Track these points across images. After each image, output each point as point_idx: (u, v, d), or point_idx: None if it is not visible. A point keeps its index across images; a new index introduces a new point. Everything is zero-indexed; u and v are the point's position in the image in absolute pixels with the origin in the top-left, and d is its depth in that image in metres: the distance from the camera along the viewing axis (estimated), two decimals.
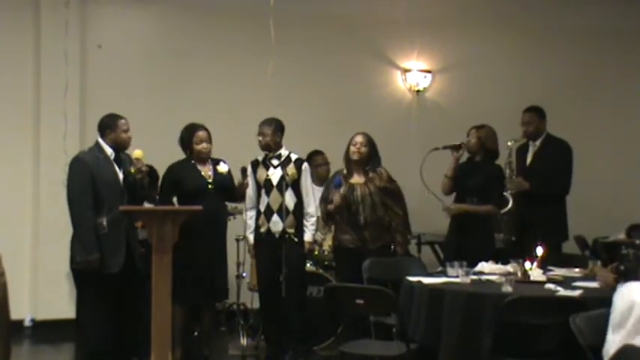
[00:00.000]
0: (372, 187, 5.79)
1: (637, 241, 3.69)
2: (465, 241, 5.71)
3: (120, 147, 5.40)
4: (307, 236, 6.03)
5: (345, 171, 5.94)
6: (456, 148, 5.89)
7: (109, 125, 5.40)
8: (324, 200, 5.94)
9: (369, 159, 5.86)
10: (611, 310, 3.44)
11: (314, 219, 6.04)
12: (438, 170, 5.98)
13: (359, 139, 5.87)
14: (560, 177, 6.37)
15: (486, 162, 5.89)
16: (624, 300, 3.38)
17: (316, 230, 6.20)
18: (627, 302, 3.35)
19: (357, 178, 5.86)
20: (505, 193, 6.26)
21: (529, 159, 6.50)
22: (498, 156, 5.99)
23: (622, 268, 3.64)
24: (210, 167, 5.90)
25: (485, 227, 5.85)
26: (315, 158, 7.05)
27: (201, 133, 5.88)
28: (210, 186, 5.82)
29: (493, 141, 5.91)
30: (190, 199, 5.63)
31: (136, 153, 5.35)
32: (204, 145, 5.86)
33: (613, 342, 3.33)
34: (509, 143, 6.47)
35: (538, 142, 6.49)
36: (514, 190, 6.36)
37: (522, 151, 6.59)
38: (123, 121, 5.43)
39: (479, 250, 5.47)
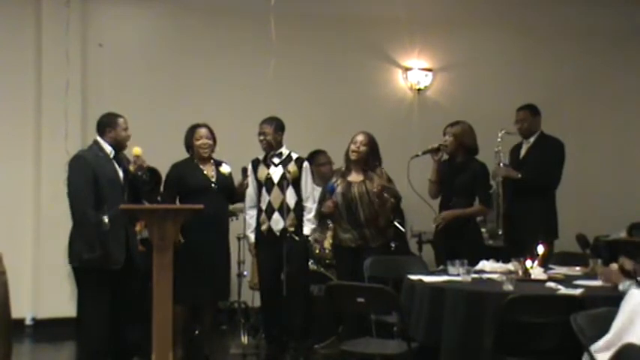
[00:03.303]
0: (369, 186, 5.79)
1: None
2: (454, 241, 5.71)
3: (119, 146, 5.40)
4: (306, 230, 6.03)
5: (343, 169, 5.95)
6: (434, 151, 5.86)
7: (108, 124, 5.40)
8: (320, 201, 5.96)
9: (369, 158, 5.86)
10: (619, 312, 3.43)
11: (312, 214, 6.04)
12: (425, 175, 5.99)
13: (359, 138, 5.87)
14: (550, 170, 6.40)
15: (468, 160, 5.87)
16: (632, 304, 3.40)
17: (315, 229, 6.19)
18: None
19: (355, 177, 5.86)
20: (492, 181, 6.25)
21: (522, 154, 6.55)
22: (478, 152, 5.95)
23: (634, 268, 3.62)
24: (213, 167, 5.91)
25: (471, 227, 5.88)
26: (318, 157, 7.05)
27: (201, 130, 5.90)
28: (213, 185, 5.83)
29: (470, 137, 5.87)
30: (193, 197, 5.62)
31: (134, 150, 5.37)
32: (203, 140, 5.87)
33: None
34: (499, 133, 6.48)
35: (532, 140, 6.53)
36: (501, 177, 6.33)
37: (516, 149, 6.63)
38: (122, 119, 5.43)
39: (467, 249, 5.45)
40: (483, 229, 6.42)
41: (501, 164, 6.39)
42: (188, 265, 5.53)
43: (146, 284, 5.01)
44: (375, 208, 5.75)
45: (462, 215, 5.79)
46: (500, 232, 6.28)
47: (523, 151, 6.56)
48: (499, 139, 6.46)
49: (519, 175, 6.33)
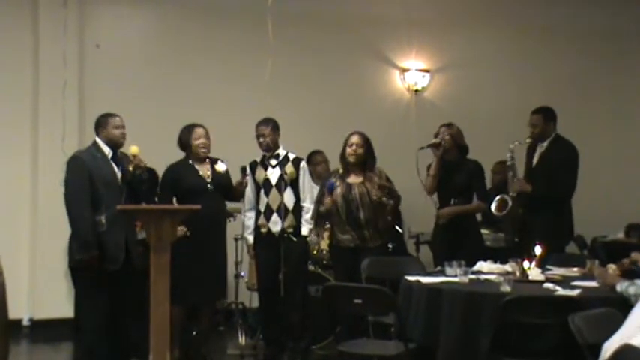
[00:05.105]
0: (369, 186, 5.78)
1: None
2: (452, 241, 5.71)
3: (113, 144, 5.39)
4: (304, 230, 6.03)
5: (340, 170, 5.93)
6: (436, 146, 5.91)
7: (100, 124, 5.42)
8: (318, 202, 5.94)
9: (366, 159, 5.85)
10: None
11: (309, 214, 6.04)
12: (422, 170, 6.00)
13: (355, 140, 5.85)
14: (564, 179, 6.23)
15: (462, 159, 5.94)
16: None
17: (312, 229, 6.19)
18: None
19: (354, 178, 5.84)
20: (506, 196, 6.23)
21: (535, 160, 6.38)
22: (468, 151, 5.99)
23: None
24: (209, 167, 5.90)
25: (471, 226, 5.91)
26: (315, 157, 7.06)
27: (199, 130, 5.90)
28: (209, 186, 5.83)
29: (462, 138, 5.98)
30: (189, 198, 5.62)
31: (132, 150, 5.37)
32: (202, 140, 5.87)
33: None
34: (511, 146, 6.37)
35: (545, 144, 6.32)
36: (515, 192, 6.29)
37: (530, 151, 6.47)
38: (116, 118, 5.43)
39: (466, 249, 5.45)
40: (495, 235, 6.46)
41: (515, 179, 6.29)
42: (185, 265, 5.53)
43: (144, 284, 5.00)
44: (375, 211, 5.76)
45: (462, 212, 5.84)
46: (516, 240, 6.26)
47: (536, 157, 6.37)
48: (510, 154, 6.29)
49: (530, 189, 6.24)
